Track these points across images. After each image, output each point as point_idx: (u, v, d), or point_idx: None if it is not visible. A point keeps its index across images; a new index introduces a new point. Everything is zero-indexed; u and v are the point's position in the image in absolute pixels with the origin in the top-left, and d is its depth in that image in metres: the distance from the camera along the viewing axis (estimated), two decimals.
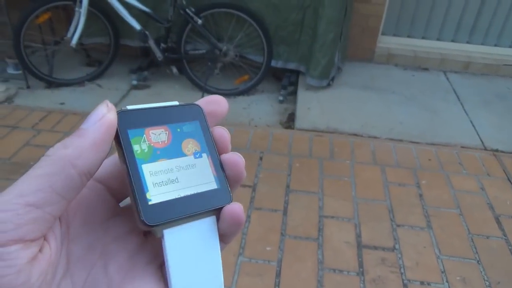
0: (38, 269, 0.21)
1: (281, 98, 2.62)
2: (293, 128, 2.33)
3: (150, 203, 0.24)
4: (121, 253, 0.26)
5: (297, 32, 2.54)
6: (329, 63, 2.52)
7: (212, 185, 0.27)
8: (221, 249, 0.27)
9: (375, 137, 2.25)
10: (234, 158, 0.27)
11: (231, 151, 0.28)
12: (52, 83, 2.60)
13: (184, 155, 0.27)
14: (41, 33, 2.61)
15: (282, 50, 2.61)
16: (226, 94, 2.63)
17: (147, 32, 2.45)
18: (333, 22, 2.39)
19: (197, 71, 2.64)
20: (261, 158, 2.03)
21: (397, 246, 1.61)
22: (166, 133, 0.27)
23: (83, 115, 2.32)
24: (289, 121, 2.45)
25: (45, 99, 2.49)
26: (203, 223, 0.26)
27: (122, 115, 0.26)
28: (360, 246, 1.60)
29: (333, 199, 1.81)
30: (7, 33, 2.46)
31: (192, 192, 0.26)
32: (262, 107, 2.58)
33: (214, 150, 0.27)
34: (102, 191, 0.27)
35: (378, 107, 2.52)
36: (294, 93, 2.68)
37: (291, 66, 2.67)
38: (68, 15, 2.65)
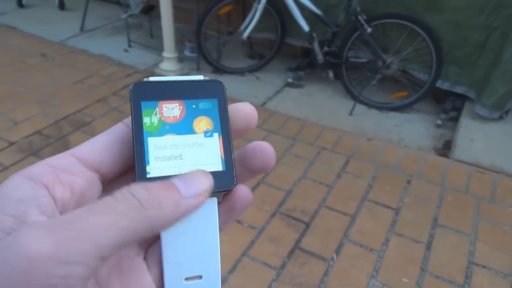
0: None
1: (439, 122, 2.41)
2: (449, 157, 2.13)
3: (148, 176, 0.24)
4: None
5: (475, 55, 2.30)
6: (508, 94, 2.22)
7: (217, 167, 0.26)
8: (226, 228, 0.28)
9: None
10: (262, 145, 0.27)
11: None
12: (218, 69, 2.84)
13: (193, 132, 0.26)
14: (218, 22, 2.86)
15: (451, 71, 2.39)
16: (379, 107, 2.53)
17: (314, 34, 2.49)
18: None
19: (353, 79, 2.60)
20: (409, 182, 1.90)
21: None
22: (180, 108, 0.26)
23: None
24: (445, 149, 2.24)
25: None
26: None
27: (140, 86, 0.26)
28: None
29: (488, 247, 1.59)
30: (191, 20, 2.77)
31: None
32: (416, 128, 2.42)
33: (228, 131, 0.27)
34: (93, 179, 0.25)
35: None
36: (455, 119, 2.44)
37: (459, 90, 2.43)
38: (245, 9, 2.86)
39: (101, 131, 0.26)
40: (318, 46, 2.52)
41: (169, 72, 2.71)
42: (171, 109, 0.26)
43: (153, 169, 0.25)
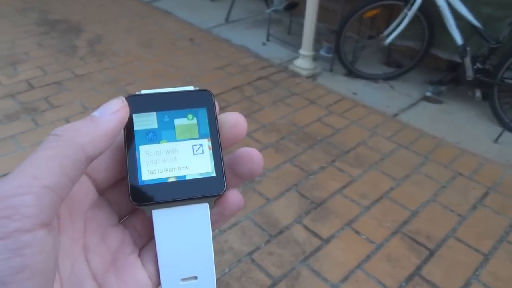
0: (58, 254, 0.22)
1: None
2: None
3: (141, 183, 0.26)
4: (102, 246, 0.26)
5: None
6: None
7: (208, 171, 0.27)
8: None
9: None
10: (250, 152, 0.27)
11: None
12: (351, 73, 2.77)
13: (184, 139, 0.27)
14: (361, 25, 2.79)
15: None
16: None
17: (468, 48, 2.27)
18: None
19: (505, 103, 2.31)
20: None
21: None
22: (170, 117, 0.27)
23: (371, 110, 2.39)
24: None
25: (341, 84, 2.69)
26: (194, 208, 0.26)
27: (131, 99, 0.27)
28: None
29: None
30: (333, 20, 2.74)
31: (185, 176, 0.26)
32: None
33: (217, 138, 0.27)
34: (86, 182, 0.26)
35: None
36: None
37: None
38: (390, 14, 2.74)
39: None
40: (470, 61, 2.29)
41: (303, 69, 2.74)
42: (162, 119, 0.27)
43: (146, 176, 0.26)
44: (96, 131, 0.23)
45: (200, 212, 0.26)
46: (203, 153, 0.27)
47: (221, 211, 0.28)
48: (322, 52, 2.95)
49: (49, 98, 2.33)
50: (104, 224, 0.27)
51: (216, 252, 1.47)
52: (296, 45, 2.94)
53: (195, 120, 0.28)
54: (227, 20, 3.59)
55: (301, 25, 2.79)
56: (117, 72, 2.65)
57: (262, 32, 3.32)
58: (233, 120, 0.28)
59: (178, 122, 0.27)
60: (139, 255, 0.27)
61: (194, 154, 0.27)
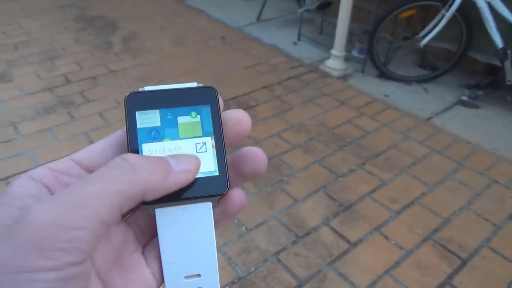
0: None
1: None
2: None
3: None
4: (105, 244, 0.25)
5: None
6: None
7: (211, 170, 0.26)
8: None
9: None
10: (254, 151, 0.27)
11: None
12: (384, 74, 2.72)
13: (188, 137, 0.27)
14: (395, 26, 2.73)
15: None
16: None
17: (508, 51, 2.18)
18: None
19: None
20: None
21: None
22: (174, 115, 0.27)
23: (403, 113, 2.34)
24: None
25: (373, 86, 2.64)
26: (197, 207, 0.26)
27: (135, 96, 0.27)
28: None
29: None
30: (367, 20, 2.70)
31: None
32: None
33: (221, 136, 0.27)
34: None
35: None
36: None
37: None
38: (426, 14, 2.66)
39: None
40: (510, 65, 2.20)
41: (334, 70, 2.71)
42: (165, 116, 0.27)
43: None
44: (163, 181, 0.23)
45: (203, 211, 0.26)
46: (206, 151, 0.27)
47: (224, 210, 0.28)
48: (354, 53, 2.91)
49: (85, 93, 2.40)
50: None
51: (242, 251, 1.48)
52: (327, 45, 2.92)
53: (198, 118, 0.27)
54: (258, 19, 3.59)
55: (333, 25, 2.76)
56: (150, 68, 2.70)
57: (294, 32, 3.30)
58: (236, 117, 0.28)
59: (181, 119, 0.27)
60: (142, 253, 0.27)
61: (197, 152, 0.27)
